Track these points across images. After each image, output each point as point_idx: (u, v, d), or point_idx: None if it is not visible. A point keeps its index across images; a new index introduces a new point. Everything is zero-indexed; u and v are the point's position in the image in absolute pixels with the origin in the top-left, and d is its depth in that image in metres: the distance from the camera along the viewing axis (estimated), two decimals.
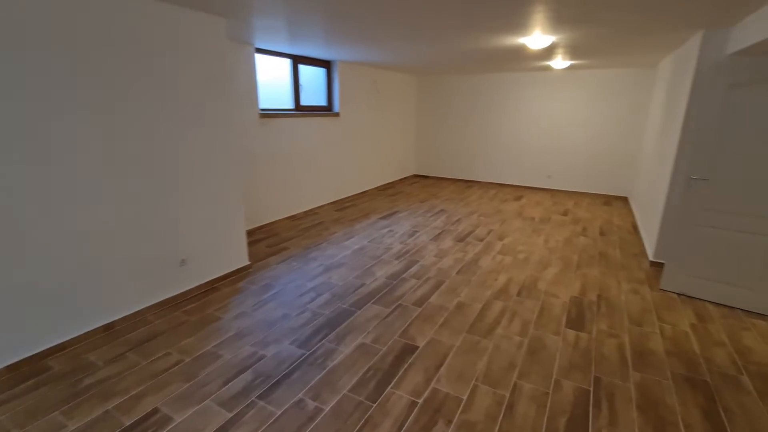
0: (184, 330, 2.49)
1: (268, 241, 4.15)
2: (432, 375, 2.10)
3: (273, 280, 3.22)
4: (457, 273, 3.41)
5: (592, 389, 2.01)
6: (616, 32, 3.25)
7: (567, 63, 5.24)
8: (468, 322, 2.63)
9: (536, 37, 3.49)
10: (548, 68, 5.95)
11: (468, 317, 2.68)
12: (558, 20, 2.89)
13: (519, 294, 3.04)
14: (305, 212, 5.23)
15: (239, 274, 3.32)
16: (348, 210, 5.45)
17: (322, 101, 5.47)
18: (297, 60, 4.85)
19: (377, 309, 2.78)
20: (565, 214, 5.41)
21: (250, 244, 4.08)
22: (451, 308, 2.81)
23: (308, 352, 2.28)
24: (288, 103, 4.89)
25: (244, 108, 4.12)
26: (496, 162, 7.32)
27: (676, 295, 3.05)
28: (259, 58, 4.35)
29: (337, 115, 5.50)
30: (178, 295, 2.83)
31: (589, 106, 6.31)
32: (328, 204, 5.70)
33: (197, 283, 2.97)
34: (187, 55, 2.62)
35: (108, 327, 2.45)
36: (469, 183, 7.48)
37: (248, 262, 3.42)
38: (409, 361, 2.21)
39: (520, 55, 4.62)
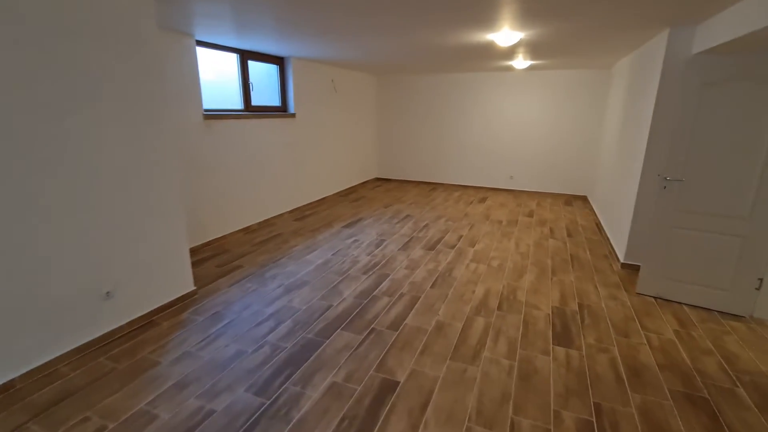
0: (108, 383, 2.00)
1: (217, 260, 3.66)
2: (418, 419, 1.80)
3: (224, 308, 2.78)
4: (432, 287, 3.15)
5: (594, 420, 1.81)
6: (584, 28, 3.15)
7: (528, 63, 5.19)
8: (450, 345, 2.36)
9: (504, 34, 3.32)
10: (510, 68, 5.90)
11: (450, 340, 2.42)
12: (527, 14, 2.72)
13: (500, 307, 2.82)
14: (260, 223, 4.76)
15: (182, 302, 2.84)
16: (308, 219, 5.05)
17: (275, 101, 5.02)
18: (246, 55, 4.38)
19: (348, 337, 2.44)
20: (530, 215, 5.36)
21: (196, 264, 3.57)
22: (431, 330, 2.53)
23: (268, 402, 1.89)
24: (237, 103, 4.41)
25: (185, 108, 3.61)
26: (458, 164, 7.20)
27: (653, 299, 2.99)
28: (201, 52, 3.85)
29: (292, 116, 5.07)
30: (102, 336, 2.32)
31: (548, 106, 6.35)
32: (287, 213, 5.25)
33: (128, 319, 2.47)
34: (105, 40, 2.14)
35: (5, 387, 1.92)
36: (433, 186, 7.32)
37: (193, 287, 2.95)
38: (390, 401, 1.90)
39: (486, 53, 4.47)
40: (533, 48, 4.11)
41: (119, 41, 2.21)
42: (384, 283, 3.20)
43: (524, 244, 4.19)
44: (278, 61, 4.93)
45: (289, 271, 3.43)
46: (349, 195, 6.46)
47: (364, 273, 3.40)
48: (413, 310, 2.77)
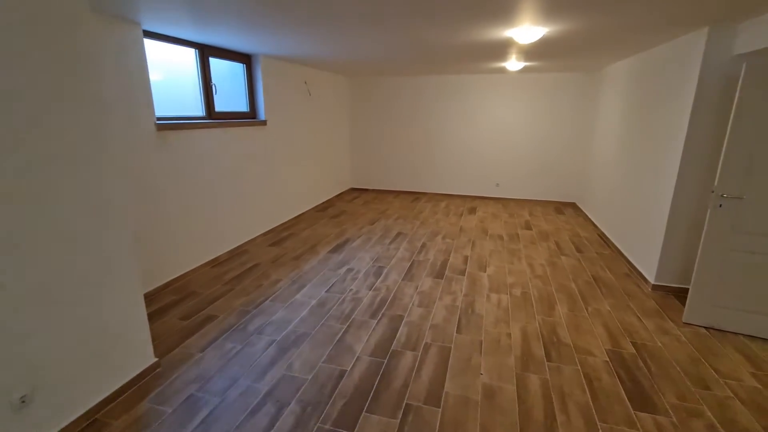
0: None
1: (182, 308, 2.89)
2: None
3: (200, 387, 2.06)
4: (459, 331, 2.61)
5: None
6: (611, 26, 2.77)
7: (521, 65, 4.83)
8: (514, 423, 1.83)
9: (525, 30, 2.87)
10: (502, 70, 5.53)
11: (509, 414, 1.89)
12: (555, 6, 2.27)
13: (548, 356, 2.35)
14: (231, 252, 3.99)
15: (140, 384, 2.08)
16: (287, 242, 4.33)
17: (242, 106, 4.27)
18: (206, 51, 3.62)
19: (379, 424, 1.84)
20: (528, 227, 5.00)
21: (154, 317, 2.78)
22: (480, 399, 1.99)
23: None
24: (197, 109, 3.63)
25: (132, 115, 2.81)
26: (441, 172, 6.76)
27: (705, 330, 2.65)
28: (152, 46, 3.05)
29: (263, 123, 4.34)
30: None
31: (533, 110, 6.08)
32: (260, 236, 4.50)
33: (58, 428, 1.70)
34: (8, 14, 1.39)
35: None
36: (415, 195, 6.82)
37: (154, 359, 2.20)
38: None
39: (483, 53, 4.03)
40: (532, 48, 3.72)
41: (31, 18, 1.46)
42: (401, 330, 2.61)
43: (537, 264, 3.79)
44: (245, 59, 4.18)
45: (278, 319, 2.74)
46: (326, 210, 5.79)
47: (372, 316, 2.80)
48: (449, 370, 2.22)
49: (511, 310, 2.90)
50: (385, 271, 3.60)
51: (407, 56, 4.28)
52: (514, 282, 3.38)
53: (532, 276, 3.50)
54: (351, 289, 3.21)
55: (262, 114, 4.38)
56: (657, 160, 3.29)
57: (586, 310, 2.91)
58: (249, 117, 4.32)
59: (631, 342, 2.51)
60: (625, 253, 3.88)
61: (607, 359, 2.33)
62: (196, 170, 3.44)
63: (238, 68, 4.18)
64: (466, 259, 3.91)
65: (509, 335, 2.57)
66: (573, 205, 6.16)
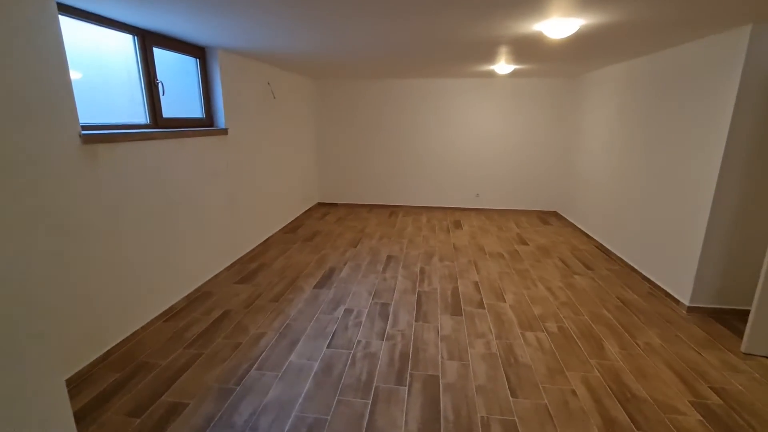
0: None
1: (130, 393, 2.04)
2: None
3: None
4: (514, 394, 2.08)
5: None
6: (647, 20, 2.43)
7: (511, 68, 4.49)
8: None
9: (557, 22, 2.44)
10: (490, 74, 5.15)
11: None
12: None
13: (635, 422, 1.88)
14: (190, 296, 3.12)
15: None
16: (259, 277, 3.54)
17: (196, 111, 3.42)
18: (149, 39, 2.77)
19: None
20: (523, 242, 4.66)
21: (88, 413, 1.91)
22: None
23: None
24: (137, 115, 2.76)
25: (44, 123, 1.93)
26: (418, 182, 6.27)
27: (767, 360, 2.38)
28: (71, 26, 2.17)
29: (223, 132, 3.52)
30: None
31: (513, 116, 5.82)
32: (224, 271, 3.65)
33: None
34: None
35: None
36: (391, 209, 6.26)
37: None
38: None
39: (476, 53, 3.59)
40: (523, 50, 3.36)
41: None
42: (443, 400, 2.01)
43: (555, 287, 3.39)
44: (198, 52, 3.35)
45: (274, 399, 2.01)
46: (297, 231, 5.02)
47: (399, 380, 2.17)
48: None
49: (558, 353, 2.43)
50: (392, 309, 2.98)
51: (395, 53, 3.72)
52: (542, 313, 2.93)
53: (557, 304, 3.08)
54: (359, 341, 2.55)
55: (221, 121, 3.56)
56: (684, 171, 3.04)
57: (638, 345, 2.52)
58: (206, 125, 3.48)
59: (708, 387, 2.14)
60: (639, 269, 3.63)
61: (700, 417, 1.92)
62: (138, 195, 2.57)
63: (190, 64, 3.34)
64: (476, 286, 3.41)
65: (574, 393, 2.08)
66: (555, 214, 5.98)
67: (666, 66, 3.30)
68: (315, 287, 3.36)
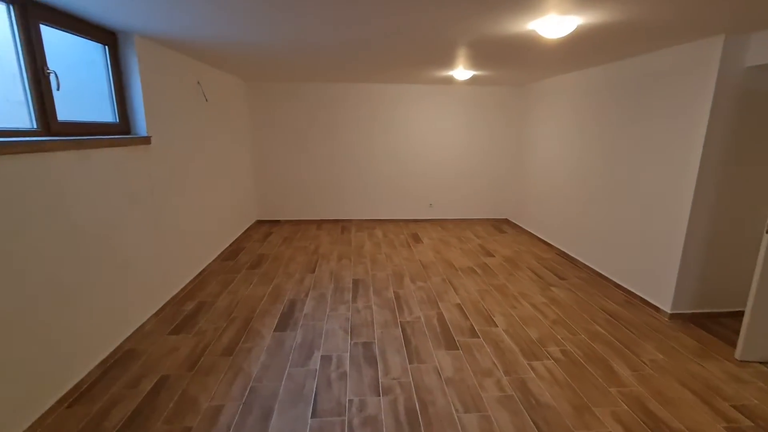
0: None
1: None
2: None
3: None
4: None
5: None
6: (628, 22, 2.35)
7: (469, 74, 4.33)
8: None
9: (553, 20, 2.23)
10: (449, 80, 4.93)
11: None
12: None
13: None
14: (107, 361, 2.31)
15: None
16: (201, 322, 2.82)
17: (106, 115, 2.62)
18: (31, 10, 1.98)
19: None
20: (488, 253, 4.50)
21: None
22: None
23: None
24: (19, 117, 1.95)
25: None
26: (368, 194, 5.86)
27: (764, 367, 2.39)
28: None
29: (145, 141, 2.76)
30: None
31: (463, 124, 5.72)
32: (152, 318, 2.84)
33: None
34: None
35: None
36: (341, 224, 5.75)
37: None
38: None
39: (437, 57, 3.33)
40: (482, 55, 3.20)
41: None
42: None
43: (539, 303, 3.21)
44: (107, 37, 2.57)
45: None
46: (238, 257, 4.28)
47: None
48: None
49: (575, 385, 2.18)
50: (377, 350, 2.51)
51: (349, 53, 3.29)
52: (540, 337, 2.69)
53: (549, 323, 2.88)
54: (350, 401, 2.04)
55: (142, 127, 2.79)
56: (657, 179, 3.05)
57: (645, 364, 2.39)
58: (121, 132, 2.69)
59: (730, 406, 2.03)
60: (609, 276, 3.63)
61: None
62: (24, 230, 1.78)
63: (97, 52, 2.55)
64: (460, 309, 3.09)
65: None
66: (507, 222, 5.99)
67: (632, 74, 3.34)
68: (276, 329, 2.75)
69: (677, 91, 2.85)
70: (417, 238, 5.08)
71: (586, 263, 4.00)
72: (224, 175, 4.43)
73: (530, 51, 3.08)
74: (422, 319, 2.93)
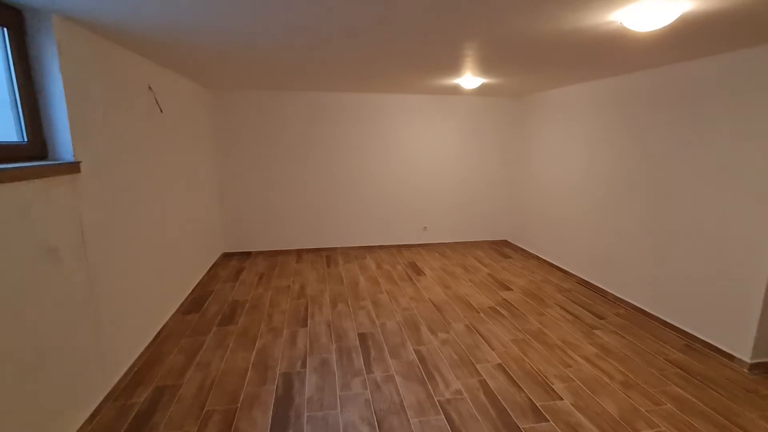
0: None
1: None
2: None
3: None
4: None
5: None
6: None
7: (478, 81, 3.78)
8: None
9: (649, 8, 1.70)
10: (456, 90, 4.35)
11: None
12: None
13: None
14: None
15: None
16: (160, 429, 1.96)
17: (8, 132, 1.75)
18: None
19: None
20: (504, 286, 3.93)
21: None
22: None
23: None
24: None
25: None
26: (354, 217, 5.14)
27: None
28: None
29: (71, 169, 1.89)
30: None
31: (458, 138, 5.20)
32: (84, 425, 1.94)
33: None
34: None
35: None
36: (325, 254, 4.97)
37: None
38: None
39: (439, 63, 2.75)
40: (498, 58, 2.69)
41: None
42: None
43: (592, 355, 2.65)
44: (7, 15, 1.71)
45: None
46: (205, 308, 3.40)
47: None
48: None
49: None
50: None
51: (353, 47, 2.62)
52: (621, 411, 2.10)
53: (620, 387, 2.31)
54: None
55: (67, 149, 1.93)
56: (728, 209, 2.61)
57: None
58: (32, 156, 1.82)
59: None
60: (655, 313, 3.16)
61: None
62: None
63: None
64: (505, 373, 2.45)
65: None
66: (507, 244, 5.50)
67: (688, 79, 2.92)
68: (274, 428, 1.96)
69: (755, 101, 2.42)
70: (417, 269, 4.42)
71: (620, 296, 3.53)
72: (183, 204, 3.54)
73: (613, 48, 2.55)
74: (464, 393, 2.25)
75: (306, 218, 4.99)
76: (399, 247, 5.29)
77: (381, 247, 5.25)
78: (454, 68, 3.23)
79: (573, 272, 4.17)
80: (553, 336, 2.92)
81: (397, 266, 4.53)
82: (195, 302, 3.48)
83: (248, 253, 4.93)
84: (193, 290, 3.72)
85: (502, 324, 3.11)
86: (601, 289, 3.75)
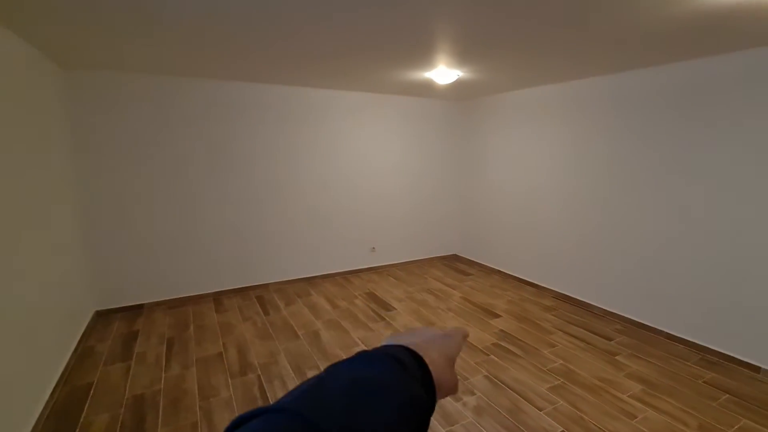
0: None
1: None
2: None
3: None
4: None
5: None
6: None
7: (455, 74, 3.20)
8: None
9: None
10: (429, 85, 3.60)
11: None
12: None
13: None
14: None
15: None
16: None
17: None
18: None
19: None
20: (488, 312, 3.42)
21: None
22: None
23: None
24: None
25: None
26: (289, 243, 4.07)
27: None
28: None
29: None
30: None
31: (402, 144, 4.58)
32: None
33: None
34: None
35: None
36: (254, 294, 3.78)
37: None
38: None
39: (409, 54, 2.15)
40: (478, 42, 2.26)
41: None
42: None
43: (640, 394, 2.26)
44: None
45: None
46: (83, 425, 2.02)
47: None
48: None
49: None
50: None
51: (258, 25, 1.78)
52: None
53: (683, 427, 1.94)
54: None
55: None
56: (751, 221, 2.50)
57: None
58: None
59: None
60: (656, 326, 2.99)
61: None
62: None
63: None
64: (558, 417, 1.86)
65: None
66: (458, 258, 5.08)
67: (709, 74, 2.78)
68: None
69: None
70: (381, 302, 3.62)
71: (607, 308, 3.32)
72: (20, 248, 2.09)
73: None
74: None
75: (222, 248, 3.72)
76: (345, 274, 4.39)
77: (324, 277, 4.28)
78: (426, 53, 2.58)
79: (544, 285, 3.90)
80: (583, 373, 2.47)
81: (356, 301, 3.65)
82: (61, 417, 2.06)
83: (139, 307, 3.43)
84: (53, 392, 2.24)
85: (522, 366, 2.55)
86: (584, 302, 3.52)
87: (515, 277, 4.24)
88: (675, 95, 2.74)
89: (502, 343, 2.85)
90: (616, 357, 2.66)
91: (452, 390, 0.38)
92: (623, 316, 3.20)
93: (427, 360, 0.35)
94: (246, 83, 3.61)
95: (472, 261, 4.88)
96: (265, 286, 3.96)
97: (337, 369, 0.32)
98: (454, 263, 4.87)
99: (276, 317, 3.28)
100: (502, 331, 3.05)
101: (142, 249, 3.39)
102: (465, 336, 0.44)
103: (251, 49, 2.45)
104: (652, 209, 2.93)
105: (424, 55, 2.65)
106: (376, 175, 4.43)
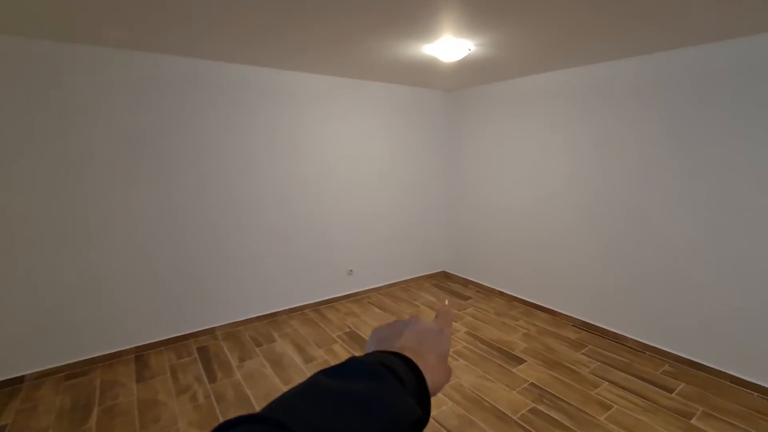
0: None
1: None
2: None
3: None
4: None
5: None
6: None
7: (466, 47, 2.43)
8: None
9: None
10: (434, 63, 2.76)
11: None
12: None
13: None
14: None
15: None
16: None
17: None
18: None
19: None
20: (508, 357, 2.71)
21: None
22: None
23: None
24: None
25: None
26: (242, 271, 3.12)
27: None
28: None
29: None
30: None
31: (379, 144, 3.78)
32: None
33: None
34: None
35: None
36: (195, 343, 2.80)
37: None
38: None
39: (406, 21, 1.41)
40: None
41: None
42: None
43: None
44: None
45: None
46: None
47: None
48: None
49: None
50: None
51: None
52: None
53: None
54: None
55: None
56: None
57: None
58: None
59: None
60: (715, 366, 2.41)
61: None
62: None
63: None
64: None
65: None
66: (448, 276, 4.34)
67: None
68: None
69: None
70: (358, 342, 2.79)
71: (647, 342, 2.72)
72: None
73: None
74: None
75: (146, 285, 2.71)
76: (318, 306, 3.50)
77: (291, 311, 3.36)
78: (428, 14, 1.81)
79: (559, 310, 3.27)
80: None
81: (334, 347, 2.79)
82: None
83: (15, 381, 2.34)
84: None
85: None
86: (613, 332, 2.91)
87: (521, 299, 3.57)
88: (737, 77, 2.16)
89: (541, 408, 2.13)
90: (691, 421, 2.03)
91: (446, 381, 0.38)
92: (668, 352, 2.61)
93: (422, 367, 0.34)
94: (174, 56, 2.63)
95: (466, 279, 4.17)
96: (211, 331, 2.98)
97: (324, 378, 0.30)
98: (446, 282, 4.14)
99: (225, 384, 2.35)
100: (533, 385, 2.34)
101: (22, 294, 2.31)
102: (452, 321, 0.38)
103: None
104: (704, 217, 2.34)
105: (425, 19, 1.87)
106: (350, 183, 3.59)
